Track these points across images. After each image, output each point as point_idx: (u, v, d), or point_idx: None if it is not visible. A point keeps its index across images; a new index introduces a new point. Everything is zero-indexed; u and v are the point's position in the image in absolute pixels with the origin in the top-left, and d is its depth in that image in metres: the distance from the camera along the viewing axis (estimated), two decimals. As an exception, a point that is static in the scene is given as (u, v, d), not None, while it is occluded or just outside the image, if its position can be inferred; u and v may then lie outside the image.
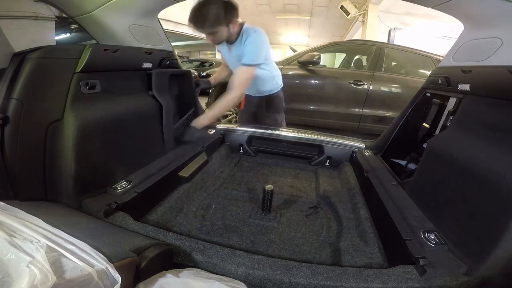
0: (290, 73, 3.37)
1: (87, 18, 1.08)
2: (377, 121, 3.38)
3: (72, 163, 0.95)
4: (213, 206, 1.29)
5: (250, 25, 1.54)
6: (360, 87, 3.29)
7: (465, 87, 1.14)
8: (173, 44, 1.62)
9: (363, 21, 7.61)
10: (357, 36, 9.07)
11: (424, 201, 1.08)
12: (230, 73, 1.87)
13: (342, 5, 7.49)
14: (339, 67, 4.45)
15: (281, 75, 1.92)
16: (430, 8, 1.10)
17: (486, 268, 0.74)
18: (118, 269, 0.55)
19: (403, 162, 1.63)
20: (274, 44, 14.36)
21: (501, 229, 0.71)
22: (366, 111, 3.36)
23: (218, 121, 2.94)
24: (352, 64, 3.96)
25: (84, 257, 0.54)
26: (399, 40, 6.48)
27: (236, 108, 3.42)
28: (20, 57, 0.88)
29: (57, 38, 1.32)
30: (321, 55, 3.30)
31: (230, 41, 1.54)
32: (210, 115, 1.58)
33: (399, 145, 1.65)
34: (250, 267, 0.76)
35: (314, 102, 3.43)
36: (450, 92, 1.29)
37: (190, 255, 0.80)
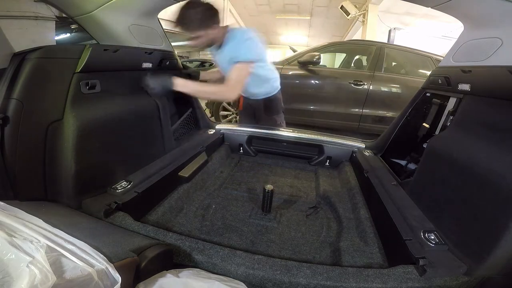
0: (290, 73, 3.37)
1: (87, 18, 1.08)
2: (377, 121, 3.38)
3: (72, 163, 0.95)
4: (213, 206, 1.29)
5: (235, 27, 1.51)
6: (360, 87, 3.29)
7: (465, 87, 1.14)
8: (173, 44, 1.62)
9: (363, 21, 7.61)
10: (357, 36, 9.07)
11: (424, 201, 1.08)
12: (223, 76, 1.85)
13: (342, 5, 7.48)
14: (339, 67, 4.45)
15: (279, 77, 1.89)
16: (430, 8, 1.10)
17: (486, 268, 0.74)
18: (118, 269, 0.55)
19: (403, 162, 1.63)
20: (274, 44, 14.36)
21: (501, 229, 0.71)
22: (366, 111, 3.36)
23: (218, 121, 2.94)
24: (352, 64, 3.96)
25: (84, 257, 0.54)
26: (399, 40, 6.48)
27: (236, 110, 3.42)
28: (20, 57, 0.88)
29: (57, 38, 1.32)
30: (321, 55, 3.30)
31: (218, 46, 1.50)
32: (190, 87, 1.40)
33: (399, 145, 1.65)
34: (250, 267, 0.76)
35: (314, 102, 3.43)
36: (450, 92, 1.29)
37: (190, 255, 0.80)
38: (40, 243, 0.52)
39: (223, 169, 1.68)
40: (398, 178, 1.36)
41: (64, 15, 1.11)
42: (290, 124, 2.16)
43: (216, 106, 3.57)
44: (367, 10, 7.32)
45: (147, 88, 1.38)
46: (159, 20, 1.46)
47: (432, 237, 0.89)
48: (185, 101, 1.87)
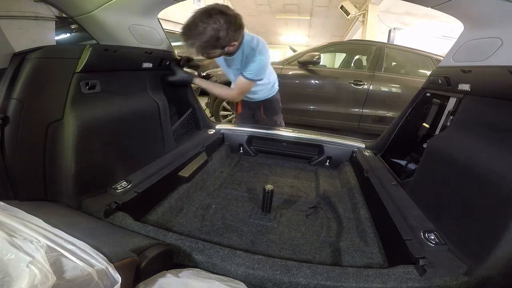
0: (290, 73, 3.38)
1: (87, 18, 1.08)
2: (377, 121, 3.38)
3: (72, 163, 0.95)
4: (213, 206, 1.29)
5: (250, 34, 1.42)
6: (360, 87, 3.29)
7: (465, 87, 1.14)
8: (173, 44, 1.62)
9: (363, 21, 7.61)
10: (357, 36, 9.08)
11: (424, 201, 1.08)
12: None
13: (342, 5, 7.49)
14: (339, 67, 4.45)
15: (277, 78, 1.90)
16: (430, 8, 1.10)
17: (486, 268, 0.74)
18: (118, 269, 0.55)
19: (403, 162, 1.63)
20: (274, 44, 14.36)
21: (501, 229, 0.71)
22: (366, 111, 3.36)
23: (218, 121, 2.94)
24: (352, 64, 3.96)
25: (84, 257, 0.54)
26: (399, 40, 6.49)
27: (235, 111, 3.42)
28: (20, 57, 0.88)
29: (57, 38, 1.32)
30: (321, 55, 3.30)
31: (228, 55, 1.45)
32: (205, 84, 1.66)
33: (399, 145, 1.65)
34: (250, 267, 0.76)
35: (314, 102, 3.44)
36: (450, 92, 1.28)
37: (190, 255, 0.80)
38: (40, 243, 0.52)
39: (223, 169, 1.68)
40: (398, 178, 1.36)
41: (64, 15, 1.11)
42: (290, 124, 2.16)
43: (216, 106, 3.58)
44: (367, 10, 7.32)
45: (172, 73, 1.56)
46: (159, 20, 1.46)
47: (432, 237, 0.89)
48: (185, 102, 1.87)
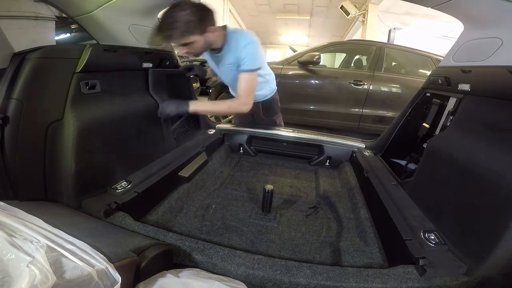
0: (290, 73, 3.38)
1: (87, 18, 1.08)
2: (377, 121, 3.38)
3: (72, 163, 0.95)
4: (213, 206, 1.29)
5: (233, 27, 1.40)
6: (360, 87, 3.29)
7: (465, 87, 1.14)
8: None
9: (363, 21, 7.61)
10: (357, 36, 9.08)
11: (424, 201, 1.08)
12: None
13: (342, 5, 7.49)
14: (339, 67, 4.45)
15: (274, 77, 1.86)
16: (430, 8, 1.10)
17: (486, 268, 0.74)
18: (118, 269, 0.55)
19: (403, 162, 1.63)
20: (274, 44, 14.35)
21: (501, 229, 0.71)
22: (366, 111, 3.36)
23: (218, 121, 2.94)
24: (352, 64, 3.96)
25: (84, 257, 0.54)
26: (399, 40, 6.48)
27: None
28: (20, 57, 0.88)
29: (57, 38, 1.32)
30: (321, 55, 3.30)
31: (215, 50, 1.38)
32: (200, 109, 1.43)
33: (399, 145, 1.65)
34: (250, 267, 0.76)
35: (314, 102, 3.43)
36: (450, 92, 1.29)
37: (190, 255, 0.80)
38: (40, 243, 0.52)
39: (223, 169, 1.68)
40: (398, 178, 1.36)
41: (64, 15, 1.11)
42: (290, 124, 2.16)
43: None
44: (367, 10, 7.33)
45: (163, 115, 1.39)
46: (159, 20, 1.46)
47: (432, 237, 0.89)
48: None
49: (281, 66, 3.36)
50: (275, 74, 1.86)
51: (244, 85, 1.35)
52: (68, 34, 2.08)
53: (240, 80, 1.35)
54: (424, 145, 1.39)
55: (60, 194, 0.97)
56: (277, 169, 1.81)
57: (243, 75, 1.34)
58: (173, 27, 1.13)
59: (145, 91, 1.42)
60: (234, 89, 1.61)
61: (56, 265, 0.50)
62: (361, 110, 3.36)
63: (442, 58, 1.57)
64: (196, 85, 6.39)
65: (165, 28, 1.15)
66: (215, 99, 3.54)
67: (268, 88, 1.79)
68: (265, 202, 1.21)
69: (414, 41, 7.62)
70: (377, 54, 3.41)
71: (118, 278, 0.54)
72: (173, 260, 0.79)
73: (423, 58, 3.47)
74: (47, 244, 0.53)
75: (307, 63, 3.29)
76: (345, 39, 10.32)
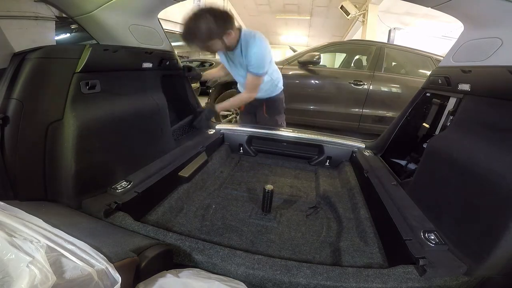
0: (290, 73, 3.37)
1: (87, 18, 1.08)
2: (377, 121, 3.38)
3: (72, 163, 0.95)
4: (213, 206, 1.29)
5: (248, 29, 1.50)
6: (360, 87, 3.29)
7: (465, 87, 1.14)
8: (173, 44, 1.62)
9: (363, 21, 7.61)
10: (357, 36, 9.08)
11: (424, 201, 1.08)
12: (227, 73, 1.89)
13: (342, 5, 7.49)
14: (339, 67, 4.45)
15: (281, 77, 1.90)
16: (430, 8, 1.10)
17: (486, 268, 0.74)
18: (118, 269, 0.55)
19: (403, 162, 1.63)
20: (274, 44, 14.35)
21: (501, 229, 0.71)
22: (366, 111, 3.35)
23: (218, 121, 2.94)
24: (352, 64, 3.96)
25: (84, 257, 0.54)
26: (399, 40, 6.48)
27: (237, 110, 3.42)
28: (20, 57, 0.88)
29: (57, 38, 1.32)
30: (321, 55, 3.30)
31: (229, 49, 1.50)
32: (223, 106, 1.75)
33: (399, 145, 1.65)
34: (250, 267, 0.76)
35: (314, 102, 3.43)
36: (450, 92, 1.29)
37: (190, 255, 0.80)
38: (40, 243, 0.52)
39: (223, 169, 1.68)
40: (398, 178, 1.36)
41: (64, 15, 1.11)
42: (290, 124, 2.16)
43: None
44: (367, 10, 7.33)
45: (202, 128, 1.81)
46: (159, 20, 1.46)
47: (432, 237, 0.89)
48: (185, 102, 1.87)
49: (281, 66, 3.35)
50: None
51: (250, 84, 1.60)
52: (68, 34, 2.08)
53: (247, 79, 1.59)
54: (424, 145, 1.40)
55: (60, 194, 0.97)
56: (277, 169, 1.81)
57: (249, 76, 1.55)
58: (197, 35, 1.27)
59: (145, 91, 1.42)
60: (242, 85, 1.79)
61: (56, 265, 0.50)
62: (361, 110, 3.36)
63: (442, 58, 1.57)
64: (196, 85, 6.39)
65: (189, 36, 1.29)
66: (215, 99, 3.54)
67: (272, 86, 1.84)
68: (265, 202, 1.21)
69: (414, 41, 7.62)
70: (377, 54, 3.41)
71: (118, 278, 0.54)
72: (173, 260, 0.79)
73: (423, 58, 3.47)
74: (47, 244, 0.53)
75: (307, 63, 3.29)
76: (345, 39, 10.32)
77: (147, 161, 1.34)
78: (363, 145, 1.82)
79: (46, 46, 0.94)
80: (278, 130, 1.91)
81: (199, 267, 0.78)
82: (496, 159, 0.83)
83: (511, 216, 0.71)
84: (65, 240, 0.57)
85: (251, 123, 2.08)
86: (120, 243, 0.69)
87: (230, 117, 3.58)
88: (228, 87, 3.42)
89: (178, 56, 1.70)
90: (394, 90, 3.35)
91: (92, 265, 0.53)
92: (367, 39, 6.88)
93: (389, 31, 6.44)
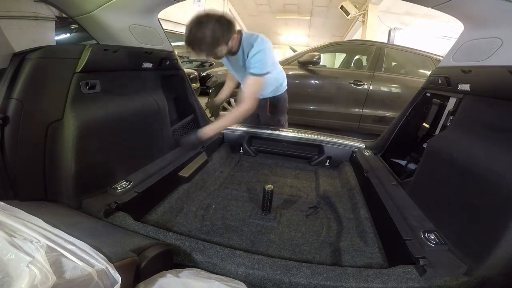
0: (290, 73, 3.37)
1: (87, 18, 1.08)
2: (377, 121, 3.38)
3: (72, 163, 0.95)
4: (213, 206, 1.29)
5: (248, 31, 1.50)
6: (360, 87, 3.29)
7: (465, 87, 1.14)
8: (173, 44, 1.62)
9: (363, 21, 7.61)
10: (357, 36, 9.08)
11: (424, 201, 1.08)
12: (236, 84, 1.86)
13: (342, 5, 7.49)
14: (339, 67, 4.45)
15: (285, 77, 1.89)
16: (430, 8, 1.10)
17: (486, 268, 0.74)
18: (118, 269, 0.55)
19: (403, 162, 1.63)
20: (274, 44, 14.30)
21: (501, 229, 0.71)
22: (366, 111, 3.35)
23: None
24: (352, 64, 3.96)
25: (84, 257, 0.54)
26: (399, 40, 6.48)
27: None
28: (20, 57, 0.88)
29: (57, 38, 1.32)
30: (321, 55, 3.29)
31: (231, 53, 1.47)
32: (217, 126, 1.45)
33: (399, 145, 1.65)
34: (250, 267, 0.76)
35: (314, 102, 3.43)
36: (450, 92, 1.28)
37: (190, 255, 0.80)
38: (40, 243, 0.52)
39: (223, 169, 1.68)
40: (398, 178, 1.36)
41: (64, 15, 1.11)
42: (290, 124, 2.16)
43: (215, 106, 3.57)
44: (367, 10, 7.33)
45: (187, 148, 1.53)
46: (159, 20, 1.46)
47: (432, 237, 0.89)
48: (185, 101, 1.87)
49: (281, 66, 3.35)
50: None
51: (249, 89, 1.43)
52: (68, 34, 2.08)
53: (247, 84, 1.43)
54: (424, 145, 1.39)
55: (60, 194, 0.97)
56: (277, 169, 1.81)
57: (250, 79, 1.43)
58: (203, 43, 1.25)
59: (145, 91, 1.42)
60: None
61: (56, 265, 0.50)
62: (361, 110, 3.36)
63: (442, 58, 1.57)
64: (196, 85, 6.40)
65: (195, 43, 1.26)
66: (215, 99, 3.53)
67: (276, 85, 1.82)
68: (265, 202, 1.21)
69: (414, 41, 7.62)
70: (377, 54, 3.41)
71: (118, 278, 0.54)
72: (173, 260, 0.79)
73: (423, 58, 3.46)
74: (47, 244, 0.53)
75: (307, 63, 3.29)
76: (345, 39, 10.32)
77: (147, 161, 1.34)
78: (363, 145, 1.82)
79: (46, 46, 0.94)
80: (278, 130, 1.91)
81: (199, 267, 0.78)
82: (496, 159, 0.83)
83: (511, 216, 0.71)
84: (65, 240, 0.57)
85: (252, 123, 2.07)
86: (120, 243, 0.69)
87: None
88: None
89: (178, 56, 1.70)
90: (394, 90, 3.34)
91: (92, 265, 0.53)
92: (367, 39, 6.88)
93: (389, 31, 6.44)
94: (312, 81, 3.41)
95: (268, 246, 1.04)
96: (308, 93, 3.42)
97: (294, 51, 3.88)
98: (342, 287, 0.72)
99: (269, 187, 1.19)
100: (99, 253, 0.57)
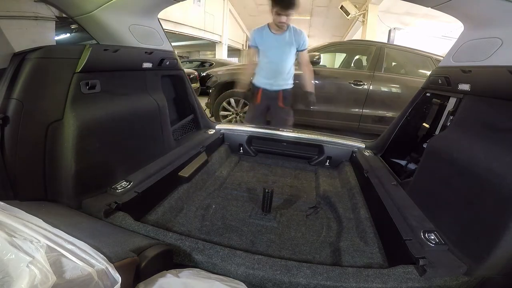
0: (290, 73, 3.37)
1: (87, 18, 1.08)
2: (377, 121, 3.38)
3: (72, 163, 0.95)
4: (213, 206, 1.29)
5: None
6: (360, 87, 3.29)
7: (465, 87, 1.14)
8: (173, 44, 1.62)
9: (363, 21, 7.62)
10: (357, 36, 9.08)
11: (424, 201, 1.08)
12: (254, 65, 2.16)
13: (342, 5, 7.50)
14: (339, 67, 4.45)
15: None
16: (430, 8, 1.10)
17: (486, 268, 0.74)
18: (118, 269, 0.55)
19: (403, 162, 1.63)
20: (274, 44, 14.30)
21: (501, 229, 0.71)
22: (366, 111, 3.35)
23: (218, 121, 2.94)
24: (352, 64, 3.96)
25: (84, 257, 0.54)
26: (399, 40, 6.49)
27: (237, 110, 3.42)
28: (20, 57, 0.88)
29: (57, 38, 1.32)
30: (321, 55, 3.30)
31: (278, 31, 1.93)
32: (311, 85, 2.17)
33: (399, 145, 1.65)
34: (250, 267, 0.76)
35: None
36: (450, 92, 1.29)
37: (190, 255, 0.80)
38: (40, 243, 0.52)
39: (223, 169, 1.68)
40: (398, 178, 1.36)
41: (64, 15, 1.11)
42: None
43: (216, 106, 3.58)
44: (367, 10, 7.33)
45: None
46: (159, 20, 1.46)
47: (432, 237, 0.89)
48: (185, 101, 1.87)
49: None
50: None
51: (307, 58, 2.12)
52: (68, 34, 2.08)
53: (304, 54, 2.08)
54: (424, 145, 1.39)
55: (60, 194, 0.97)
56: (277, 169, 1.81)
57: (305, 52, 2.07)
58: (296, 5, 1.76)
59: (145, 91, 1.42)
60: (281, 62, 2.04)
61: (56, 265, 0.50)
62: (361, 110, 3.36)
63: (442, 58, 1.57)
64: (196, 85, 6.40)
65: (294, 5, 1.74)
66: (215, 99, 3.54)
67: (291, 77, 2.14)
68: (265, 202, 1.21)
69: (414, 41, 7.62)
70: (377, 54, 3.41)
71: (118, 278, 0.54)
72: (173, 260, 0.79)
73: (423, 58, 3.46)
74: (47, 244, 0.53)
75: (307, 63, 3.29)
76: (345, 39, 10.32)
77: (147, 161, 1.34)
78: (363, 145, 1.82)
79: (46, 46, 0.94)
80: (278, 130, 1.91)
81: (199, 267, 0.78)
82: (496, 159, 0.83)
83: (511, 216, 0.71)
84: (65, 240, 0.57)
85: (261, 116, 2.18)
86: (120, 243, 0.69)
87: (230, 117, 3.58)
88: (228, 87, 3.42)
89: (178, 56, 1.70)
90: (394, 90, 3.34)
91: (92, 265, 0.53)
92: (367, 39, 6.88)
93: (389, 31, 6.45)
94: (312, 81, 3.40)
95: (268, 246, 1.04)
96: (308, 93, 3.41)
97: (294, 51, 3.87)
98: (342, 287, 0.72)
99: (269, 187, 1.19)
100: (99, 253, 0.57)
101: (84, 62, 1.03)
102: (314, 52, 3.35)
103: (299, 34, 1.97)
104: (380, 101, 3.32)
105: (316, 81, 3.40)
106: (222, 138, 1.97)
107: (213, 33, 10.62)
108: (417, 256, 0.78)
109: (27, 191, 0.91)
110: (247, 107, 3.37)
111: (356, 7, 7.45)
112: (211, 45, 12.33)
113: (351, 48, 4.16)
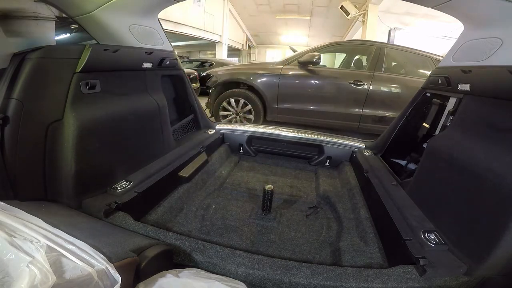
0: (290, 73, 3.37)
1: (87, 18, 1.08)
2: (377, 121, 3.38)
3: (72, 163, 0.95)
4: (213, 206, 1.29)
5: None
6: (360, 87, 3.29)
7: (465, 87, 1.14)
8: (173, 44, 1.62)
9: (363, 21, 7.62)
10: (357, 36, 9.08)
11: (424, 201, 1.08)
12: None
13: (342, 5, 7.50)
14: (339, 67, 4.45)
15: None
16: (430, 8, 1.10)
17: (486, 268, 0.74)
18: (118, 269, 0.55)
19: (403, 162, 1.63)
20: (274, 44, 14.36)
21: (501, 229, 0.71)
22: (366, 111, 3.35)
23: (218, 121, 2.94)
24: (352, 64, 3.96)
25: (84, 257, 0.54)
26: (399, 40, 6.49)
27: (237, 110, 3.42)
28: (20, 57, 0.88)
29: (57, 38, 1.32)
30: (321, 55, 3.30)
31: None
32: None
33: (399, 145, 1.65)
34: (250, 267, 0.76)
35: (314, 102, 3.43)
36: (450, 92, 1.28)
37: (190, 255, 0.80)
38: (40, 243, 0.52)
39: (223, 169, 1.68)
40: (398, 178, 1.36)
41: (64, 15, 1.11)
42: (290, 124, 2.16)
43: (216, 106, 3.58)
44: (367, 10, 7.33)
45: None
46: (159, 20, 1.46)
47: (432, 237, 0.89)
48: (185, 101, 1.87)
49: (281, 66, 3.35)
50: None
51: None
52: (68, 34, 2.08)
53: None
54: (424, 145, 1.39)
55: (60, 194, 0.97)
56: (277, 169, 1.81)
57: None
58: None
59: (145, 91, 1.42)
60: None
61: (56, 265, 0.50)
62: (361, 110, 3.36)
63: (442, 58, 1.57)
64: (196, 85, 6.40)
65: None
66: (215, 99, 3.54)
67: None
68: (265, 202, 1.21)
69: (414, 41, 7.62)
70: (377, 54, 3.41)
71: (118, 278, 0.54)
72: (173, 260, 0.79)
73: (423, 58, 3.46)
74: (47, 244, 0.53)
75: (307, 63, 3.29)
76: (345, 39, 10.32)
77: (147, 161, 1.34)
78: (363, 145, 1.82)
79: (46, 46, 0.94)
80: (278, 130, 1.91)
81: (199, 267, 0.78)
82: (496, 159, 0.83)
83: (511, 216, 0.71)
84: (65, 240, 0.57)
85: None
86: (120, 243, 0.69)
87: (230, 117, 3.58)
88: (228, 87, 3.42)
89: (178, 56, 1.70)
90: (394, 90, 3.34)
91: (92, 265, 0.53)
92: (367, 39, 6.88)
93: (389, 31, 6.45)
94: (312, 81, 3.41)
95: (268, 246, 1.04)
96: (308, 93, 3.42)
97: (294, 51, 3.88)
98: (342, 287, 0.72)
99: (269, 187, 1.18)
100: (99, 253, 0.57)
101: (84, 62, 1.02)
102: (314, 52, 3.35)
103: None
104: (380, 101, 3.32)
105: (316, 81, 3.40)
106: (222, 138, 1.97)
107: (213, 33, 10.64)
108: (417, 256, 0.78)
109: (27, 191, 0.91)
110: (247, 107, 3.37)
111: (356, 7, 7.45)
112: (211, 45, 12.34)
113: (351, 48, 4.16)
